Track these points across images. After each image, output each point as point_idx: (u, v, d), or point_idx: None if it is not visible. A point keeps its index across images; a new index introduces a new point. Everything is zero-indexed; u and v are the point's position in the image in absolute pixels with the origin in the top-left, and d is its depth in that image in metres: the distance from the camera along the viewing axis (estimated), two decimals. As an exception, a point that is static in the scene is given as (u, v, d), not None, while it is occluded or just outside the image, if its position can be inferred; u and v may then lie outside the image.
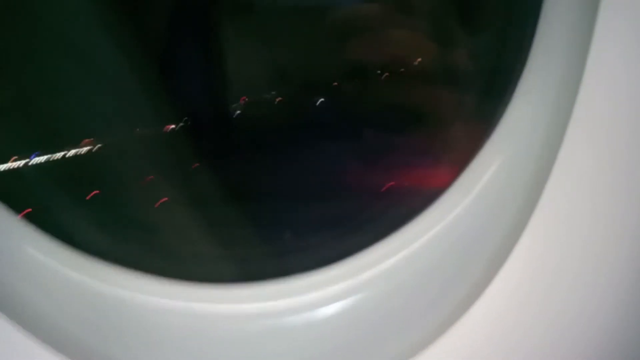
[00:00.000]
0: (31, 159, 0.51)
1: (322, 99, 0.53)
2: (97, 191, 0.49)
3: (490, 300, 0.37)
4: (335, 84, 0.53)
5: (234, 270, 0.45)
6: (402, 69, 0.50)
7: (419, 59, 0.50)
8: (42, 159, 0.52)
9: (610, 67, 0.35)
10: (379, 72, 0.51)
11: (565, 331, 0.36)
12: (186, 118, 0.56)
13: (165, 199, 0.48)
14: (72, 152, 0.53)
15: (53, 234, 0.43)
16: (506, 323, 0.37)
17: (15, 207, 0.43)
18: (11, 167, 0.50)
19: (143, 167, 0.52)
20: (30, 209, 0.44)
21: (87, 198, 0.49)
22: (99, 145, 0.53)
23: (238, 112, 0.56)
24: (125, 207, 0.49)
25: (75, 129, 0.53)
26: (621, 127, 0.35)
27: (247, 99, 0.56)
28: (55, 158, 0.52)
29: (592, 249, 0.36)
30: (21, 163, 0.51)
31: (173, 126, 0.56)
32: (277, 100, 0.54)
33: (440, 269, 0.39)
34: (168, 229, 0.48)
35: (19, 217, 0.43)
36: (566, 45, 0.38)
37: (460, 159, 0.41)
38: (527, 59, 0.38)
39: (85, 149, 0.53)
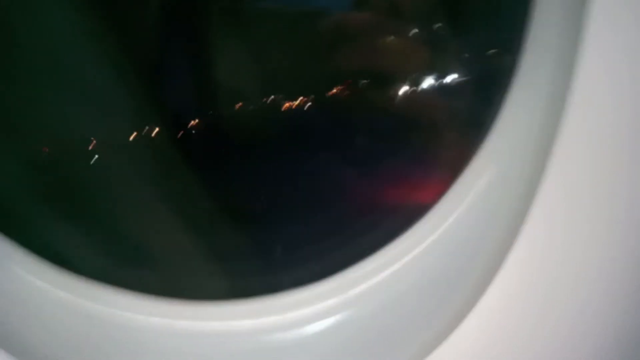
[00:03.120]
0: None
1: (311, 107, 0.52)
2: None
3: (483, 313, 0.36)
4: (324, 91, 0.52)
5: (223, 286, 0.44)
6: (392, 78, 0.49)
7: (409, 71, 0.49)
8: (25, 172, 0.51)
9: (600, 73, 0.34)
10: (368, 80, 0.50)
11: (560, 345, 0.35)
12: (174, 126, 0.55)
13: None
14: (56, 164, 0.52)
15: (40, 253, 0.42)
16: (500, 335, 0.36)
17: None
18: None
19: (130, 179, 0.51)
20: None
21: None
22: (84, 157, 0.52)
23: (226, 119, 0.55)
24: (112, 222, 0.48)
25: (59, 140, 0.53)
26: (612, 135, 0.34)
27: (235, 106, 0.55)
28: (39, 172, 0.51)
29: (585, 259, 0.35)
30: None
31: (160, 135, 0.55)
32: (266, 105, 0.53)
33: (431, 284, 0.38)
34: (156, 244, 0.47)
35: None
36: (556, 49, 0.37)
37: (452, 168, 0.40)
38: (517, 66, 0.37)
39: (70, 161, 0.52)
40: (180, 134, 0.54)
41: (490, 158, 0.38)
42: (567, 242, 0.35)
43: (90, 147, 0.52)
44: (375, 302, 0.38)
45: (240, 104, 0.54)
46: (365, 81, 0.50)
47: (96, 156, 0.52)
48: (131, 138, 0.54)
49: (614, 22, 0.33)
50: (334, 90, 0.51)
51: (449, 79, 0.48)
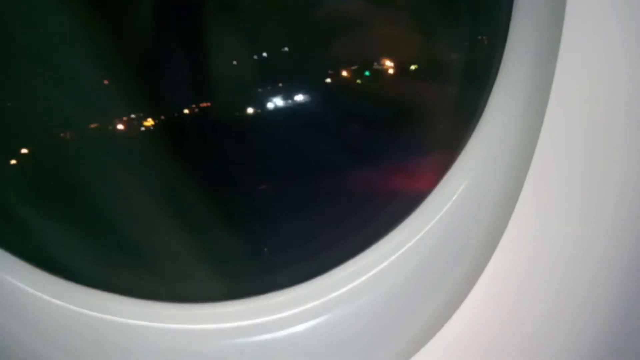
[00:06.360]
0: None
1: (306, 97, 0.52)
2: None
3: (463, 318, 0.37)
4: (321, 81, 0.52)
5: (206, 287, 0.45)
6: (382, 68, 0.49)
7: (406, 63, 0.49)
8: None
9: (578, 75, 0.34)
10: (363, 69, 0.50)
11: (540, 346, 0.37)
12: (164, 118, 0.54)
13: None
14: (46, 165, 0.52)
15: (28, 257, 0.43)
16: (479, 340, 0.37)
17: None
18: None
19: (120, 179, 0.51)
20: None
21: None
22: (73, 158, 0.52)
23: (218, 111, 0.55)
24: (98, 221, 0.48)
25: (49, 140, 0.52)
26: (591, 143, 0.35)
27: (228, 98, 0.54)
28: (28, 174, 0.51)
29: (561, 263, 0.36)
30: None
31: (151, 128, 0.54)
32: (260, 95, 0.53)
33: (415, 284, 0.39)
34: (143, 245, 0.47)
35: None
36: (536, 48, 0.37)
37: (435, 167, 0.41)
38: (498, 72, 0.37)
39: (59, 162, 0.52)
40: (168, 128, 0.54)
41: (468, 165, 0.39)
42: (545, 252, 0.36)
43: (81, 148, 0.52)
44: (355, 304, 0.39)
45: (231, 95, 0.54)
46: (358, 70, 0.50)
47: (86, 156, 0.52)
48: (122, 135, 0.54)
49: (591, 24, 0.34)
50: (328, 80, 0.51)
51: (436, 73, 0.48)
